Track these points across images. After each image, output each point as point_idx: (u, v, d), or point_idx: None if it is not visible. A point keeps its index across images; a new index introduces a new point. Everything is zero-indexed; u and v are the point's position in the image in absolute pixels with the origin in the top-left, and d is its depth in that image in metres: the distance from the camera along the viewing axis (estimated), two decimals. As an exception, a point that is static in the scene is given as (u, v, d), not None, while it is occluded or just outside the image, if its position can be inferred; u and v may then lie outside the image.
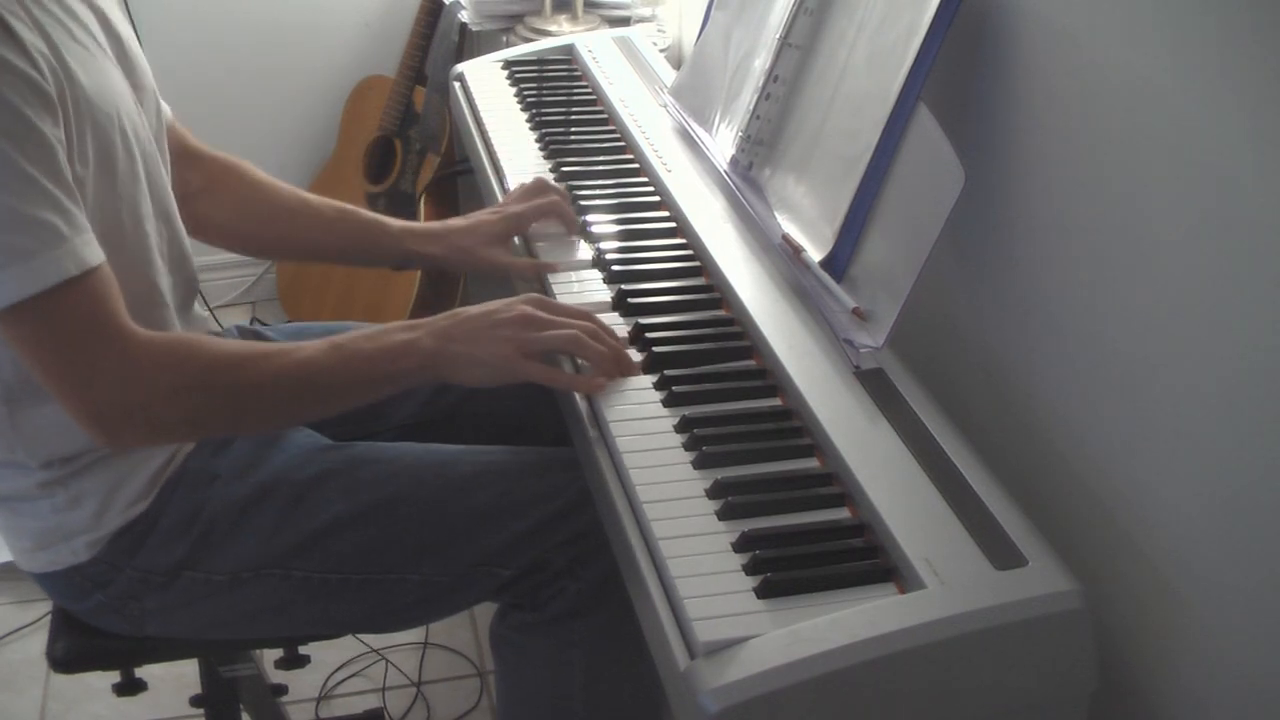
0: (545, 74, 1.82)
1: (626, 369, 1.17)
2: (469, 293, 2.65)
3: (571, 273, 1.35)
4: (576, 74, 1.81)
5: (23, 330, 1.04)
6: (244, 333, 1.46)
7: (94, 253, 1.05)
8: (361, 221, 1.43)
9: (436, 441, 1.34)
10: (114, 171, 1.13)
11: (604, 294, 1.30)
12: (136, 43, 1.24)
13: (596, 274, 1.34)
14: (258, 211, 1.42)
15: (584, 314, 1.19)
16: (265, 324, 1.58)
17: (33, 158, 1.01)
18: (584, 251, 1.39)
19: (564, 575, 1.25)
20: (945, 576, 0.92)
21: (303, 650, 1.42)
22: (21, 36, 1.02)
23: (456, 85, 1.80)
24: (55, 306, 1.03)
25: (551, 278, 1.34)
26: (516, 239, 1.43)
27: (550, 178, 1.53)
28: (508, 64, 1.84)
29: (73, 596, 1.24)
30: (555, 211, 1.41)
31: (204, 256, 1.38)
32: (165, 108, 1.33)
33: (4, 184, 1.00)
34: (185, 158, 1.37)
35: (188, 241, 1.27)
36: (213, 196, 1.40)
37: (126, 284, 1.10)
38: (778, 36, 1.37)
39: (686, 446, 1.08)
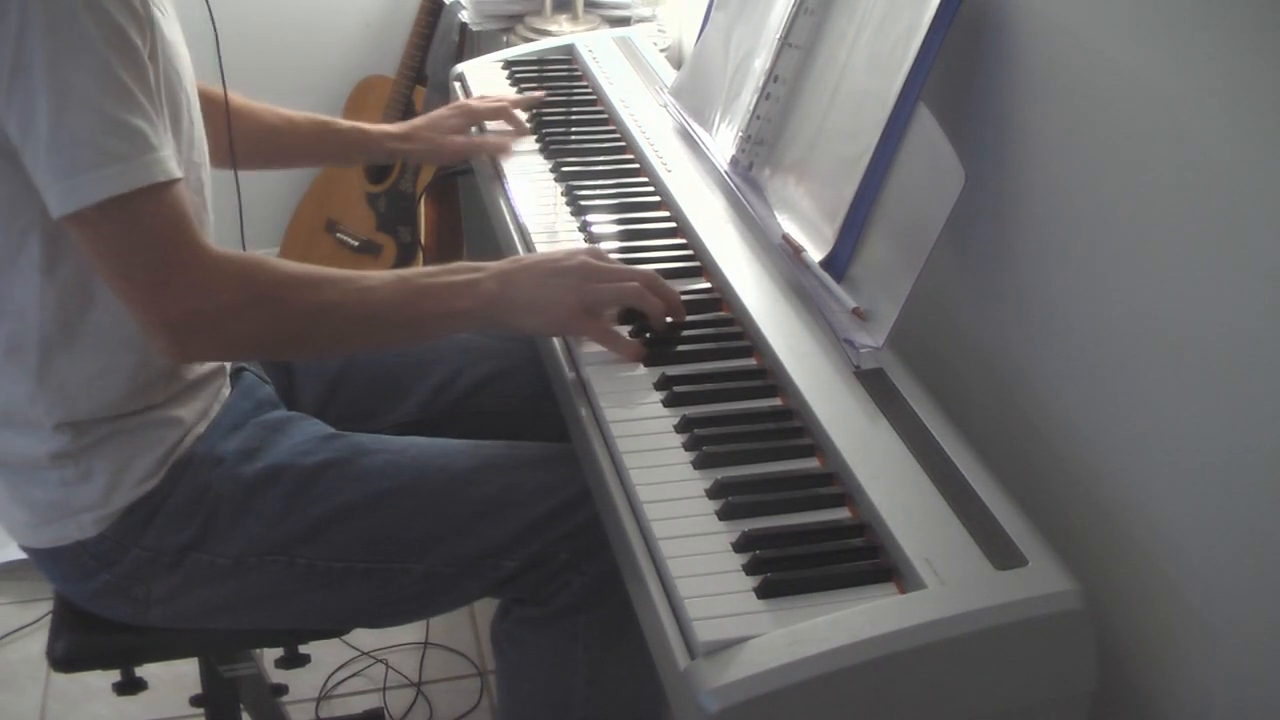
0: (545, 74, 1.82)
1: (679, 315, 1.22)
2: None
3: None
4: (576, 74, 1.81)
5: (106, 230, 1.06)
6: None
7: (176, 167, 1.08)
8: (341, 132, 1.61)
9: (439, 438, 1.34)
10: (179, 123, 1.17)
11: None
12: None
13: (548, 173, 1.36)
14: (246, 136, 1.50)
15: (638, 270, 1.23)
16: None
17: (129, 70, 1.05)
18: (530, 142, 1.59)
19: (567, 569, 1.25)
20: (945, 576, 0.92)
21: (303, 650, 1.42)
22: None
23: (456, 85, 1.81)
24: (141, 210, 1.06)
25: None
26: (474, 129, 1.63)
27: (550, 177, 1.53)
28: (508, 64, 1.84)
29: (76, 577, 1.24)
30: (504, 114, 1.63)
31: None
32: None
33: (104, 89, 1.03)
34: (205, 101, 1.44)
35: (208, 208, 1.30)
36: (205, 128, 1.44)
37: None
38: (778, 36, 1.37)
39: (686, 446, 1.08)
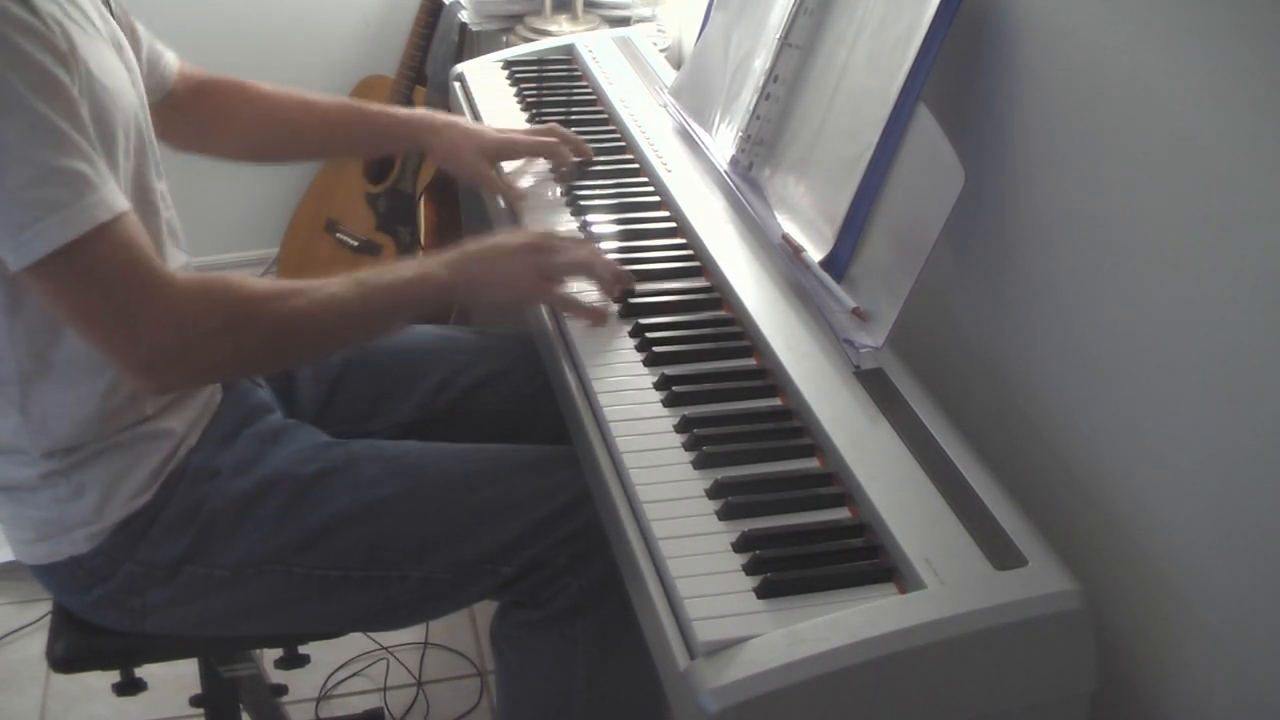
0: (545, 74, 1.82)
1: (626, 282, 1.27)
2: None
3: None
4: (576, 74, 1.81)
5: (62, 282, 1.05)
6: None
7: (121, 200, 1.07)
8: (361, 114, 1.52)
9: (436, 440, 1.34)
10: (113, 146, 1.15)
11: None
12: (136, 26, 1.26)
13: (565, 207, 1.37)
14: (263, 126, 1.49)
15: (584, 241, 1.28)
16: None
17: (59, 110, 1.03)
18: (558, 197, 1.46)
19: (565, 573, 1.25)
20: (945, 576, 0.92)
21: (303, 650, 1.42)
22: (38, 5, 1.04)
23: (456, 85, 1.80)
24: (93, 253, 1.04)
25: None
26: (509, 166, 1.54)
27: (550, 177, 1.53)
28: (508, 64, 1.84)
29: (73, 590, 1.24)
30: (552, 154, 1.52)
31: (203, 257, 1.39)
32: (169, 57, 1.40)
33: (36, 137, 1.02)
34: (197, 91, 1.43)
35: (176, 224, 1.28)
36: (224, 121, 1.46)
37: None
38: (778, 36, 1.37)
39: (686, 446, 1.08)
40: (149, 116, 1.25)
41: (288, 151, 1.57)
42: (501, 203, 1.50)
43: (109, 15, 1.22)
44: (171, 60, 1.41)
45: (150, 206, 1.22)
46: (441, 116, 1.53)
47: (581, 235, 1.37)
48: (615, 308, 1.26)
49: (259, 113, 1.48)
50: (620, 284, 1.27)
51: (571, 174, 1.51)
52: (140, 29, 1.34)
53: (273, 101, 1.50)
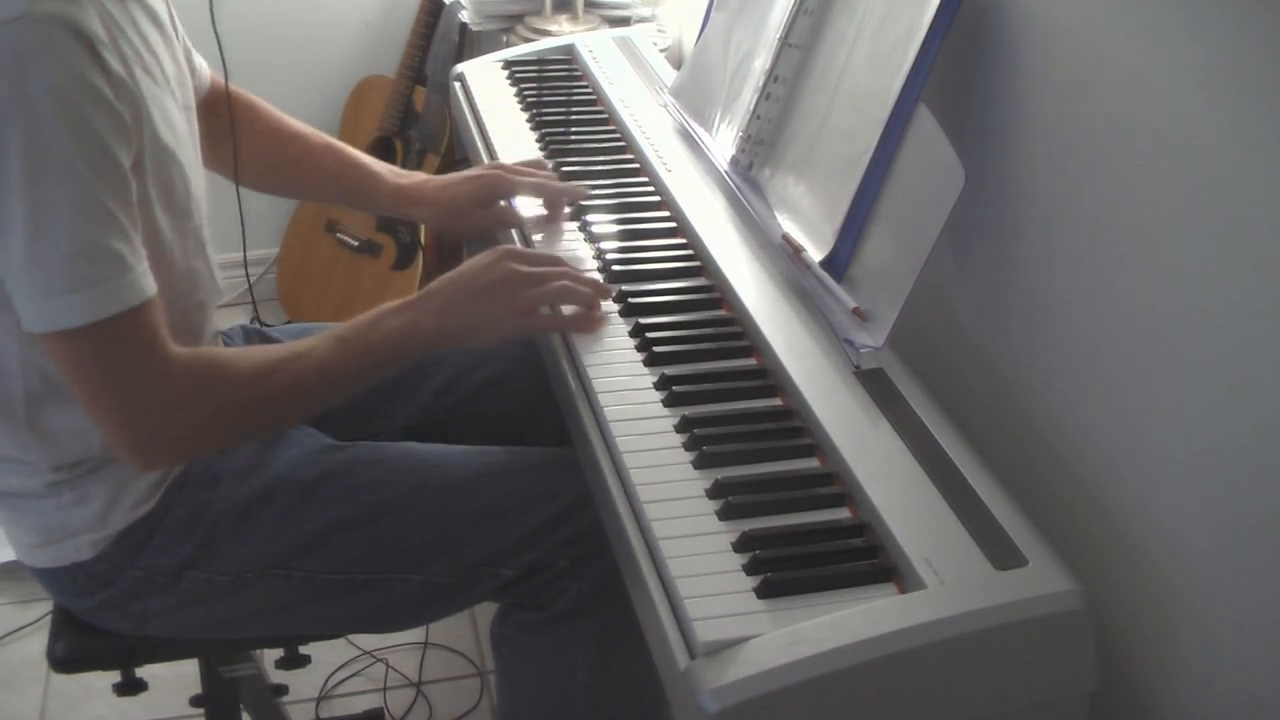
0: (545, 74, 1.82)
1: (606, 295, 1.25)
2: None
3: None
4: (577, 74, 1.81)
5: (75, 355, 1.06)
6: (247, 333, 1.46)
7: (150, 283, 1.08)
8: (358, 176, 1.48)
9: (438, 444, 1.34)
10: (172, 204, 1.16)
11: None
12: (187, 49, 1.26)
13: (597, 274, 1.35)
14: (265, 155, 1.48)
15: (555, 259, 1.25)
16: (267, 324, 1.58)
17: (110, 188, 1.04)
18: (582, 247, 1.39)
19: (566, 575, 1.25)
20: (945, 576, 0.92)
21: (303, 650, 1.42)
22: (111, 68, 1.04)
23: (456, 85, 1.80)
24: (113, 334, 1.05)
25: None
26: (503, 202, 1.47)
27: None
28: (508, 64, 1.84)
29: (75, 594, 1.25)
30: (541, 190, 1.43)
31: (223, 254, 1.39)
32: (202, 64, 1.39)
33: (81, 212, 1.02)
34: (215, 103, 1.42)
35: (213, 261, 1.29)
36: (228, 142, 1.44)
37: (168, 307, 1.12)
38: (778, 36, 1.37)
39: (686, 446, 1.08)
40: (197, 145, 1.26)
41: (279, 189, 1.54)
42: (517, 233, 1.43)
43: (175, 41, 1.22)
44: (204, 70, 1.40)
45: (197, 247, 1.23)
46: (415, 181, 1.48)
47: (548, 251, 1.31)
48: (615, 307, 1.26)
49: (261, 143, 1.47)
50: (601, 297, 1.24)
51: (560, 214, 1.44)
52: (187, 43, 1.34)
53: (279, 136, 1.48)
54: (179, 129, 1.18)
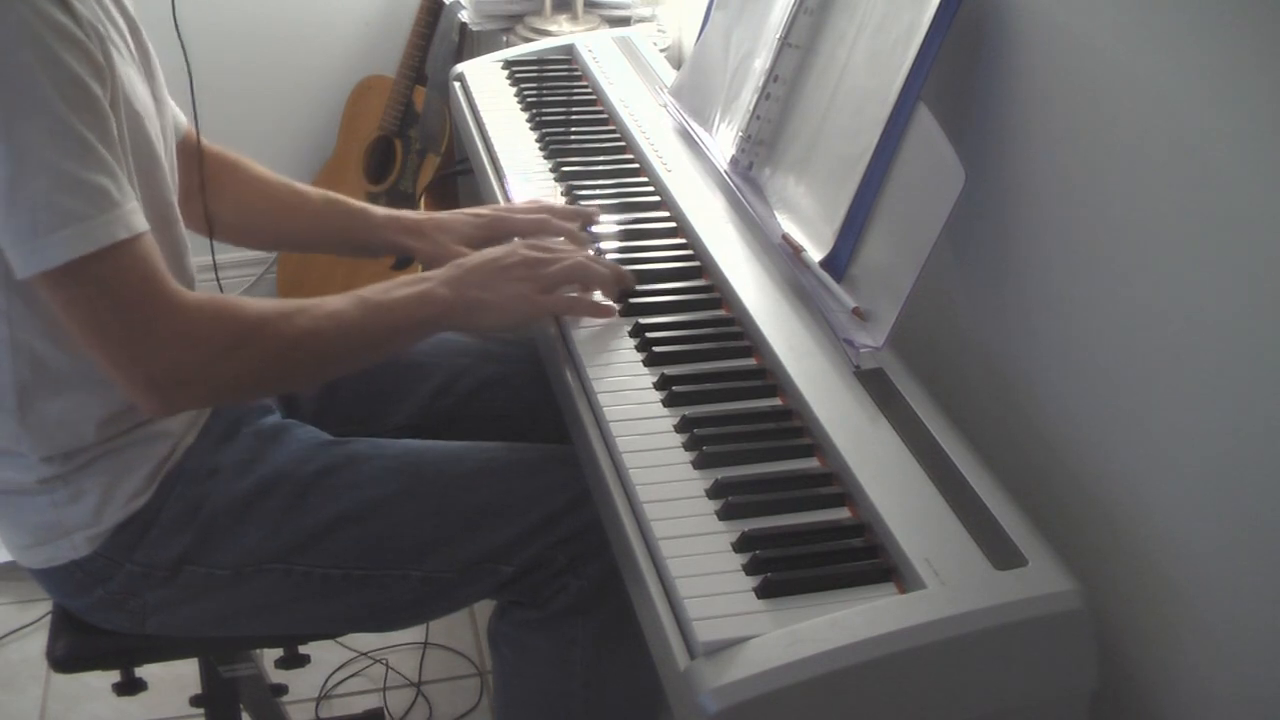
0: (545, 74, 1.82)
1: (626, 282, 1.26)
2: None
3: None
4: (576, 74, 1.81)
5: (76, 293, 1.05)
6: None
7: (141, 220, 1.07)
8: (347, 211, 1.44)
9: (437, 440, 1.34)
10: (141, 161, 1.15)
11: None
12: (156, 59, 1.25)
13: None
14: (253, 206, 1.44)
15: (571, 247, 1.26)
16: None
17: (89, 123, 1.03)
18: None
19: (565, 572, 1.25)
20: (945, 576, 0.92)
21: (303, 650, 1.42)
22: (80, 14, 1.04)
23: (456, 85, 1.80)
24: (108, 268, 1.04)
25: None
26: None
27: (551, 177, 1.53)
28: (508, 64, 1.84)
29: (73, 592, 1.24)
30: (547, 228, 1.36)
31: (204, 256, 1.38)
32: (180, 116, 1.35)
33: (62, 148, 1.01)
34: (190, 156, 1.38)
35: (187, 244, 1.27)
36: (215, 196, 1.41)
37: None
38: (778, 36, 1.37)
39: (686, 446, 1.08)
40: (172, 144, 1.25)
41: (266, 236, 1.49)
42: None
43: (137, 44, 1.21)
44: (181, 119, 1.38)
45: (171, 219, 1.22)
46: (417, 217, 1.43)
47: (571, 236, 1.34)
48: (617, 307, 1.26)
49: (248, 192, 1.44)
50: (620, 282, 1.26)
51: (582, 241, 1.38)
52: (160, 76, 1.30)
53: (265, 185, 1.45)
54: (142, 98, 1.16)
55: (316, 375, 1.28)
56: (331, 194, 1.46)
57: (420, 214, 1.45)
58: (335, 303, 1.16)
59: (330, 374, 1.31)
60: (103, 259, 1.03)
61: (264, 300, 1.16)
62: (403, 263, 2.59)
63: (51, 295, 1.06)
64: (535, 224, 1.38)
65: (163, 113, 1.23)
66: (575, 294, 1.24)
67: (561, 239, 1.33)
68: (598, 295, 1.26)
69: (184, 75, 1.32)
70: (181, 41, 1.32)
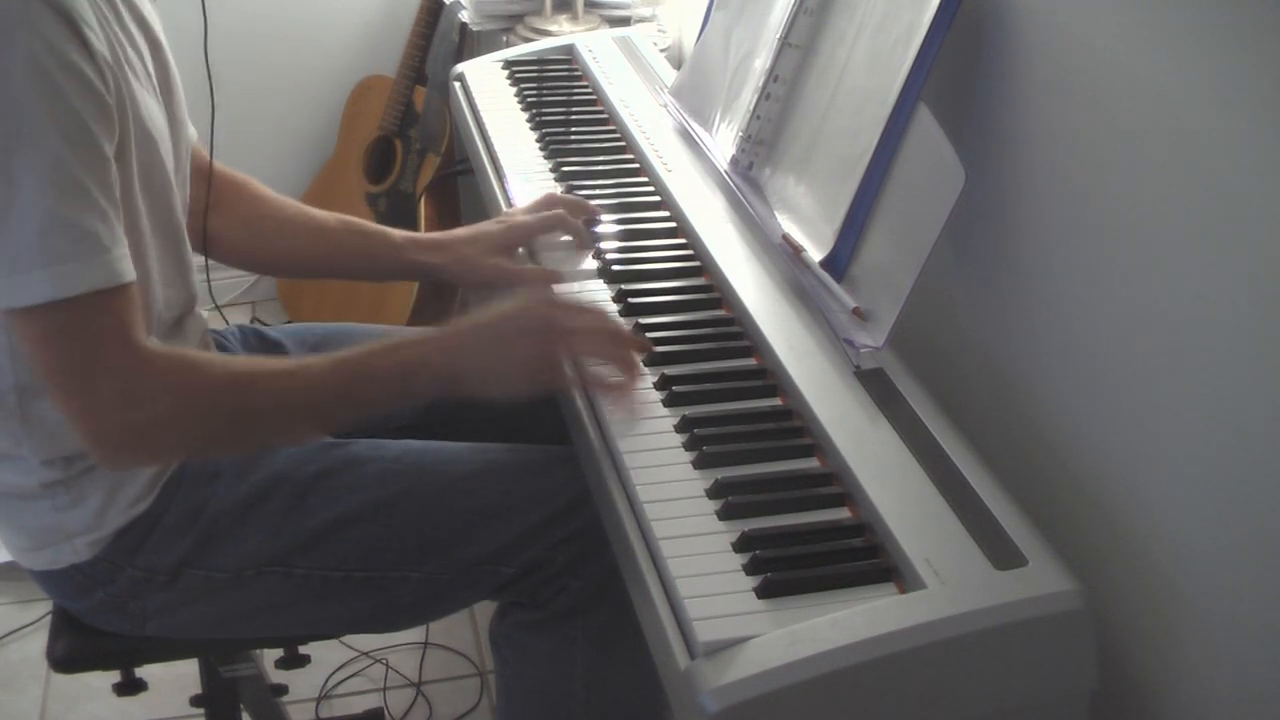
0: (545, 74, 1.82)
1: (646, 350, 1.18)
2: (467, 294, 2.65)
3: (575, 282, 1.34)
4: (577, 74, 1.81)
5: (42, 332, 1.03)
6: (245, 333, 1.46)
7: (127, 269, 1.05)
8: (364, 233, 1.42)
9: (437, 441, 1.34)
10: (155, 189, 1.14)
11: (605, 294, 1.30)
12: (177, 78, 1.25)
13: (597, 275, 1.34)
14: (262, 228, 1.42)
15: (600, 313, 1.19)
16: (266, 324, 1.58)
17: (87, 164, 1.02)
18: (589, 260, 1.38)
19: (566, 573, 1.25)
20: (945, 576, 0.92)
21: (303, 650, 1.42)
22: (94, 48, 1.03)
23: (456, 85, 1.81)
24: (79, 317, 1.02)
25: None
26: (521, 250, 1.41)
27: (551, 177, 1.53)
28: (508, 64, 1.84)
29: (73, 595, 1.24)
30: (561, 224, 1.39)
31: (203, 256, 1.38)
32: (191, 130, 1.34)
33: (57, 187, 1.00)
34: (198, 175, 1.36)
35: (192, 263, 1.27)
36: (220, 214, 1.39)
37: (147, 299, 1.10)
38: (778, 36, 1.37)
39: (686, 446, 1.08)
40: (185, 163, 1.25)
41: (279, 264, 1.48)
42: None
43: (157, 62, 1.20)
44: (191, 133, 1.35)
45: (177, 240, 1.21)
46: (437, 235, 1.42)
47: (585, 303, 1.25)
48: (616, 307, 1.26)
49: (257, 215, 1.41)
50: (642, 353, 1.18)
51: (587, 240, 1.38)
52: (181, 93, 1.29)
53: (274, 207, 1.42)
54: (156, 124, 1.15)
55: (284, 441, 1.23)
56: (347, 217, 1.43)
57: (440, 233, 1.42)
58: (315, 370, 1.12)
59: (303, 439, 1.25)
60: (77, 306, 1.01)
61: (235, 360, 1.13)
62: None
63: (19, 328, 1.05)
64: (549, 221, 1.38)
65: (177, 133, 1.22)
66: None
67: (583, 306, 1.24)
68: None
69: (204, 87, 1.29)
70: (210, 74, 1.31)
